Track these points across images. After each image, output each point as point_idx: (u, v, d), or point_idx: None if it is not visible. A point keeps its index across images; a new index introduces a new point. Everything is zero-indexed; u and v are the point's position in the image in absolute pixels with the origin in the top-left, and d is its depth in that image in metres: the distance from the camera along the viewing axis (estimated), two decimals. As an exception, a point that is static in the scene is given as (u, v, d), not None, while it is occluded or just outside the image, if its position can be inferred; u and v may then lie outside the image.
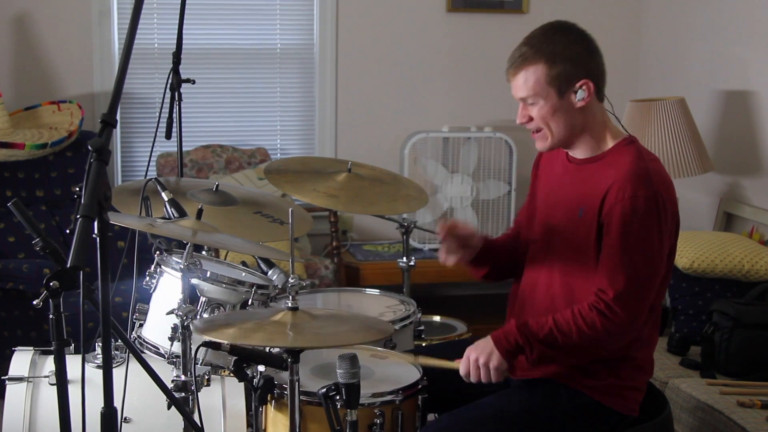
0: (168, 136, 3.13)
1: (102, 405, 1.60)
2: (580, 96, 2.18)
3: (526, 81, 2.18)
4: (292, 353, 1.98)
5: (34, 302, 1.64)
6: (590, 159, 2.25)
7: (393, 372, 2.30)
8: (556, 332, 2.11)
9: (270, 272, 2.51)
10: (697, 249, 3.49)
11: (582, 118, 2.21)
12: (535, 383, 2.23)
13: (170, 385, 2.06)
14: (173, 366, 2.15)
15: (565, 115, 2.19)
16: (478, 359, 2.16)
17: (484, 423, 2.15)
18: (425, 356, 2.28)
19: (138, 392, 2.27)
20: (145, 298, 2.30)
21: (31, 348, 2.45)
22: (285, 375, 2.01)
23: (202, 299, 2.21)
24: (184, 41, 3.14)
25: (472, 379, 2.18)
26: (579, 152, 2.28)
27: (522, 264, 2.40)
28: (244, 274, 2.51)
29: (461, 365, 2.19)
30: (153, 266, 2.28)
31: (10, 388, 2.33)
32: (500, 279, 2.51)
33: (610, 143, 2.24)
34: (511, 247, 2.47)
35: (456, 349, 2.39)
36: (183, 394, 2.10)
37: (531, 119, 2.22)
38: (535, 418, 2.19)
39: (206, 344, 2.05)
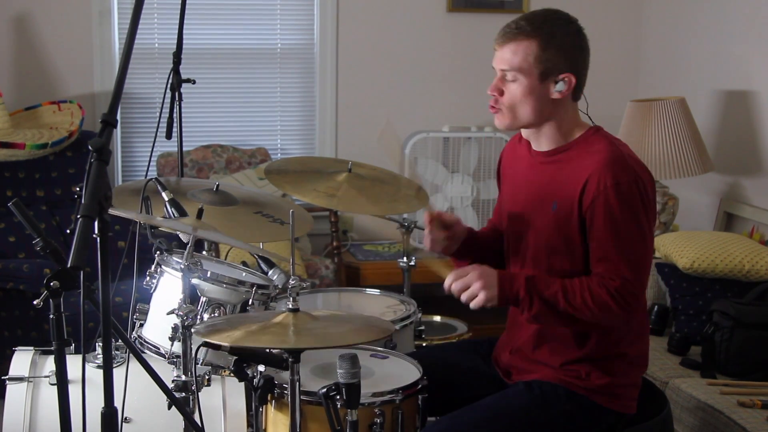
0: (168, 136, 3.13)
1: (102, 405, 1.60)
2: (559, 87, 2.15)
3: (514, 54, 2.14)
4: (293, 353, 1.98)
5: (35, 302, 1.64)
6: (556, 150, 2.22)
7: (393, 371, 2.30)
8: (561, 295, 2.08)
9: (270, 272, 2.51)
10: (697, 249, 3.49)
11: (551, 109, 2.18)
12: (533, 385, 2.22)
13: (171, 385, 2.06)
14: (173, 366, 2.14)
15: (537, 101, 2.16)
16: (476, 282, 2.11)
17: (482, 425, 2.14)
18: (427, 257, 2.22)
19: (138, 392, 2.27)
20: (146, 298, 2.30)
21: (32, 348, 2.44)
22: (285, 375, 2.01)
23: (203, 299, 2.21)
24: (184, 41, 3.14)
25: (454, 289, 2.13)
26: (543, 144, 2.24)
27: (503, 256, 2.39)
28: (244, 274, 2.51)
29: (455, 271, 2.15)
30: (153, 266, 2.28)
31: (11, 388, 2.33)
32: None
33: (576, 134, 2.21)
34: (493, 239, 2.45)
35: (456, 349, 2.39)
36: (183, 394, 2.10)
37: (502, 94, 2.19)
38: (534, 420, 2.18)
39: (206, 344, 2.05)
